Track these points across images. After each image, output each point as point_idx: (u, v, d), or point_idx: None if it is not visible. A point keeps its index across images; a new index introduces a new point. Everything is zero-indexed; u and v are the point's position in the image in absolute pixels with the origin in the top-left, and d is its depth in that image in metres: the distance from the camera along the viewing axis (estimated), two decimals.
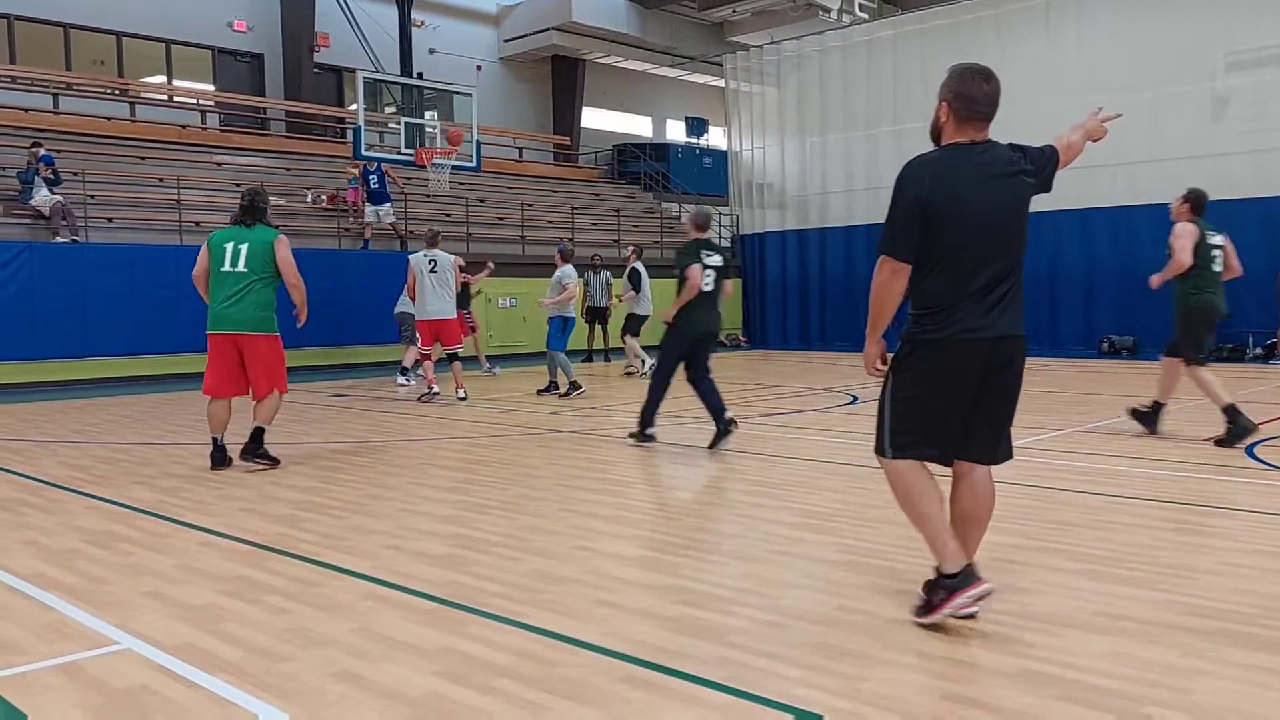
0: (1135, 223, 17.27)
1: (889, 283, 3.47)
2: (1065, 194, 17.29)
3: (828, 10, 22.50)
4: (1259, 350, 15.85)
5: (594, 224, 22.29)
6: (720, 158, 26.62)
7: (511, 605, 3.80)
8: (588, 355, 17.41)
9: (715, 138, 29.00)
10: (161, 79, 20.96)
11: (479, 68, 25.11)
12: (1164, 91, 16.89)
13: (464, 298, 14.18)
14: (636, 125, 29.91)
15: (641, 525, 5.17)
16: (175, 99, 20.92)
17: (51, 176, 14.33)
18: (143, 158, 17.31)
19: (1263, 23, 16.25)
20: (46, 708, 2.89)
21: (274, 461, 7.02)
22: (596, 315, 16.97)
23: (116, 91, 19.48)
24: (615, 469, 7.13)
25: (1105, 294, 18.02)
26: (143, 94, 20.21)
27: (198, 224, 15.92)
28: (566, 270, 12.28)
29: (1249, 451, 7.09)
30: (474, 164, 18.84)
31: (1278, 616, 3.56)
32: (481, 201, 20.80)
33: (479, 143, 18.95)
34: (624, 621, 3.60)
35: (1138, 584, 3.96)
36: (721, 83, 25.22)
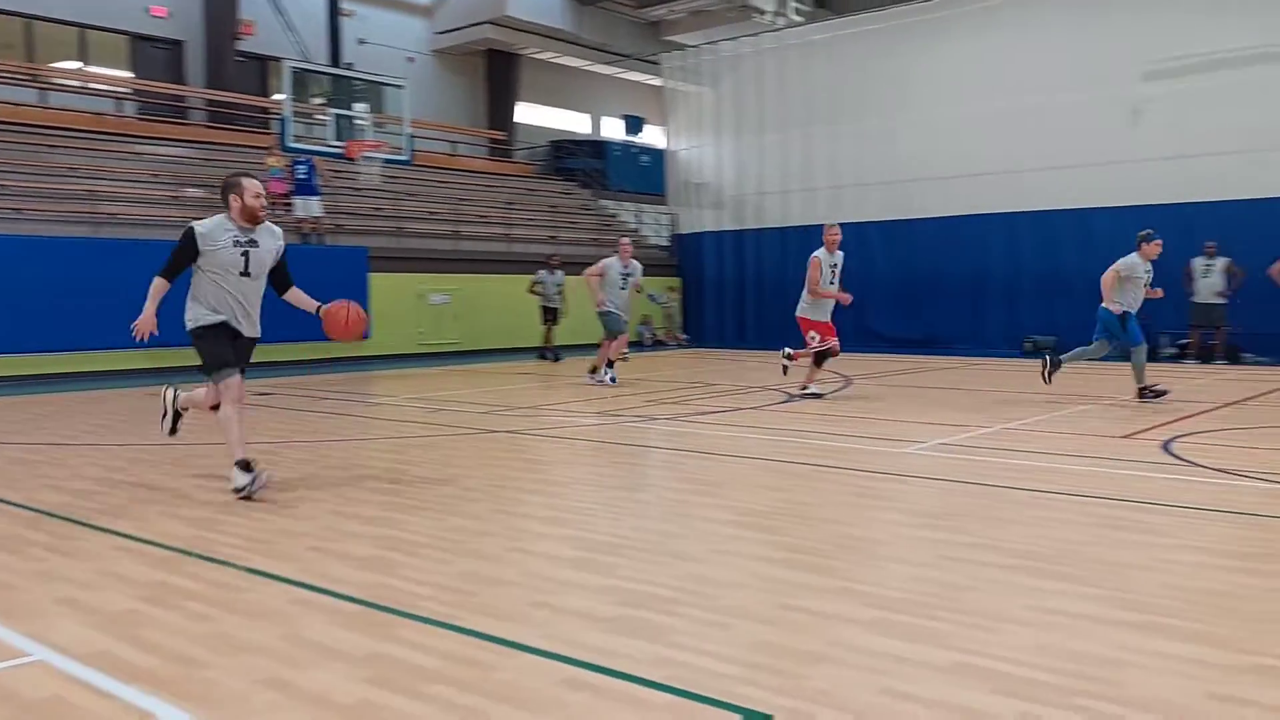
0: (1058, 227, 17.74)
1: None
2: (992, 198, 17.92)
3: (762, 12, 22.64)
4: (1172, 350, 16.42)
5: (529, 220, 22.12)
6: (658, 156, 26.60)
7: (443, 608, 3.70)
8: (540, 353, 17.38)
9: (653, 136, 29.01)
10: (75, 65, 20.21)
11: (410, 60, 24.71)
12: (1094, 95, 17.24)
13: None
14: (573, 122, 29.76)
15: (578, 525, 5.09)
16: (90, 86, 20.17)
17: None
18: (54, 146, 16.63)
19: (1190, 27, 16.63)
20: None
21: None
22: (549, 315, 17.17)
23: (26, 77, 18.69)
24: (550, 469, 7.05)
25: (1028, 295, 18.46)
26: (55, 80, 19.44)
27: (112, 215, 15.37)
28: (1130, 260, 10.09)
29: (1166, 448, 7.29)
30: (405, 157, 18.53)
31: (1203, 609, 3.64)
32: (413, 196, 20.48)
33: (410, 136, 18.63)
34: (561, 623, 3.54)
35: (1068, 579, 4.02)
36: (659, 81, 25.22)
